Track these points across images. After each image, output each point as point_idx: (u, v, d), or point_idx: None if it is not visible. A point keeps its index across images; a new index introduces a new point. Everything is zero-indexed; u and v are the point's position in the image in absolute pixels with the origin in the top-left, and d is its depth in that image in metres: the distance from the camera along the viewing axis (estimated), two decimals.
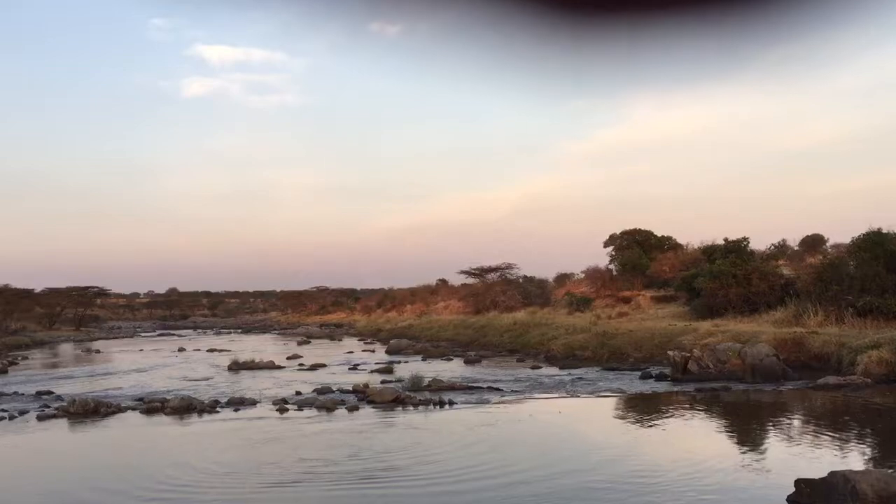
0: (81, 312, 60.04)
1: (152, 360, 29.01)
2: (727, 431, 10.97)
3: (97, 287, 62.53)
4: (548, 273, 52.74)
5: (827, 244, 44.11)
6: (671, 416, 12.61)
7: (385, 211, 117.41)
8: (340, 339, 42.20)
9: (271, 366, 23.87)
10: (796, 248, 43.59)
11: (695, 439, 10.31)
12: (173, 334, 53.36)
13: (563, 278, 50.44)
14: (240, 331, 57.62)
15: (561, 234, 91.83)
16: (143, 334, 54.97)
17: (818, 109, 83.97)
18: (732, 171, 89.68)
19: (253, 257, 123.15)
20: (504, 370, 21.36)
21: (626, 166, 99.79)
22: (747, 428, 11.31)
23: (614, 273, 41.34)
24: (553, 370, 20.74)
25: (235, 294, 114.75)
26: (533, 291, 42.93)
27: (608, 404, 14.34)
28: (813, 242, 45.12)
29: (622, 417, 13.05)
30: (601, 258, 49.26)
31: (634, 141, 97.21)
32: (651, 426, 11.67)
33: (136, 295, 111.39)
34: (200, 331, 58.92)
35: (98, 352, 35.28)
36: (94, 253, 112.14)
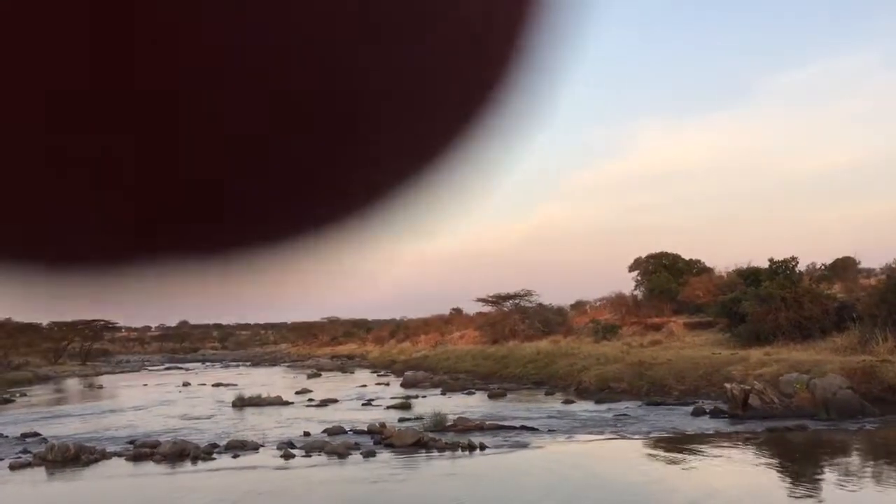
0: (88, 346, 58.67)
1: (155, 395, 27.37)
2: (855, 489, 8.82)
3: (104, 321, 61.10)
4: (562, 301, 50.67)
5: (857, 266, 42.26)
6: (762, 466, 10.63)
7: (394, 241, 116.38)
8: (352, 372, 40.30)
9: (279, 401, 22.08)
10: (825, 271, 41.69)
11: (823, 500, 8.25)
12: (181, 367, 51.82)
13: (580, 305, 48.62)
14: (249, 363, 55.94)
15: (574, 262, 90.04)
16: (150, 368, 53.48)
17: (824, 135, 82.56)
18: (740, 199, 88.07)
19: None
20: (533, 405, 19.49)
21: (635, 195, 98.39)
22: (878, 482, 9.16)
23: (639, 299, 39.48)
24: (588, 405, 18.82)
25: (246, 326, 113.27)
26: (553, 319, 41.05)
27: (669, 448, 12.37)
28: (844, 265, 43.22)
29: (697, 467, 11.01)
30: (618, 285, 47.47)
31: (641, 170, 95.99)
32: (746, 480, 9.68)
33: (147, 328, 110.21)
34: (209, 364, 57.32)
35: (101, 387, 33.89)
36: (105, 284, 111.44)
